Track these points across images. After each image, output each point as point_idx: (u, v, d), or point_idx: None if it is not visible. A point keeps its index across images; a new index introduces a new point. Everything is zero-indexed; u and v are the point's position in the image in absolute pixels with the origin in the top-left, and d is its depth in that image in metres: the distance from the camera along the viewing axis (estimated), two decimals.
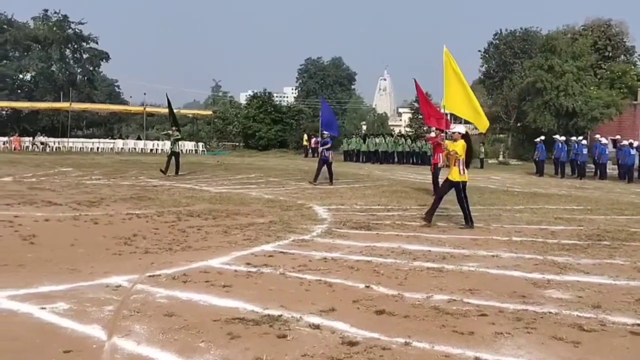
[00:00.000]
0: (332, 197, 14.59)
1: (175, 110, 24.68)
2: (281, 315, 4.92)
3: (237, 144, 52.65)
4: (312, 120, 54.76)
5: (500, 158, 39.16)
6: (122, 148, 44.54)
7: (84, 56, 58.56)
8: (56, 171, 21.34)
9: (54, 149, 42.34)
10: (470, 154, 10.56)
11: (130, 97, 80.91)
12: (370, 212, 11.88)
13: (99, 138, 49.02)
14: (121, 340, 4.26)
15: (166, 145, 46.28)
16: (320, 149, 19.91)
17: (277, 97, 52.67)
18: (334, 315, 5.00)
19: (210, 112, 56.21)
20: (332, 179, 18.97)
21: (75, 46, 57.74)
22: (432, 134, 17.50)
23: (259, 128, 48.06)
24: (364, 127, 75.81)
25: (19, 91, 56.04)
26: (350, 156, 38.80)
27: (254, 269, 6.65)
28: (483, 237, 9.33)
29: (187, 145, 46.80)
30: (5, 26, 56.33)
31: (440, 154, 15.24)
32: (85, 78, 59.19)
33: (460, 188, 10.34)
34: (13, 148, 41.03)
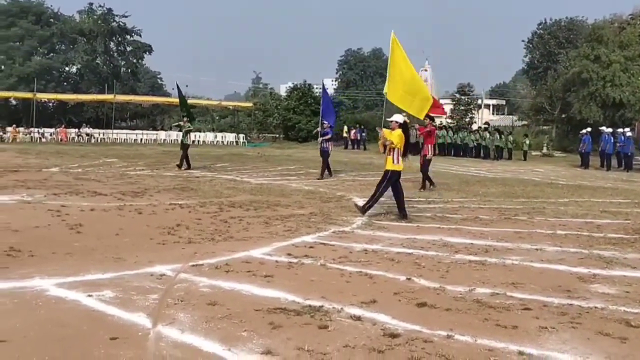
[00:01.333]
0: (372, 189, 14.49)
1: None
2: (322, 306, 4.93)
3: (277, 135, 52.87)
4: (352, 112, 54.67)
5: (544, 150, 38.35)
6: (164, 139, 45.20)
7: (128, 49, 59.52)
8: (101, 162, 21.81)
9: (99, 140, 43.26)
10: (407, 144, 10.27)
11: (173, 89, 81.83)
12: (411, 204, 11.78)
13: (142, 129, 49.86)
14: (166, 328, 4.34)
15: (208, 136, 47.02)
16: (319, 139, 18.59)
17: (317, 88, 52.56)
18: (375, 307, 4.99)
19: (250, 104, 56.54)
20: (324, 171, 17.70)
21: (119, 39, 58.72)
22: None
23: (298, 120, 48.13)
24: (405, 118, 75.22)
25: (65, 83, 57.33)
26: None
27: (294, 260, 6.68)
28: (526, 230, 9.18)
29: (228, 137, 47.31)
30: (51, 20, 57.68)
31: (430, 145, 14.97)
32: (129, 70, 60.19)
33: (388, 177, 10.16)
34: (59, 139, 42.07)
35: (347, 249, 7.38)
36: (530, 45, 54.36)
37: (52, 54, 57.05)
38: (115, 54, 59.35)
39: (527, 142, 34.37)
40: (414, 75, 11.64)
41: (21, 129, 43.79)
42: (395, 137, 10.04)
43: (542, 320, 4.76)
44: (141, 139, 44.74)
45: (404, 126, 10.25)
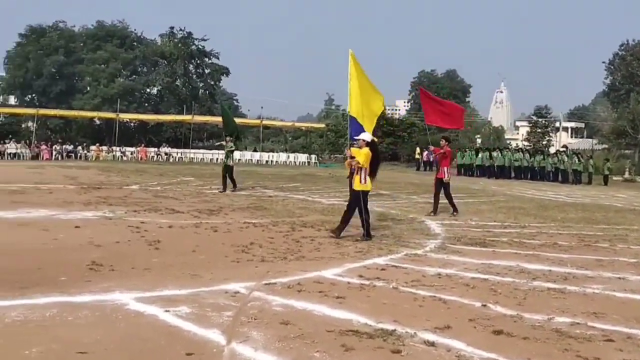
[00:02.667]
0: (445, 212, 14.31)
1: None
2: (395, 330, 4.87)
3: None
4: (424, 134, 54.10)
5: (626, 175, 36.81)
6: (239, 159, 46.10)
7: (206, 71, 61.42)
8: (178, 180, 22.47)
9: (177, 159, 44.66)
10: (375, 163, 9.90)
11: (249, 110, 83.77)
12: (486, 229, 11.54)
13: (218, 149, 51.10)
14: (239, 346, 4.39)
15: (280, 157, 47.70)
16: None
17: (389, 110, 52.65)
18: (449, 333, 4.89)
19: (323, 125, 57.07)
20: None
21: (198, 61, 60.70)
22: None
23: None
24: (479, 141, 73.91)
25: (146, 104, 59.64)
26: (465, 170, 37.92)
27: (366, 282, 6.64)
28: (608, 258, 8.79)
29: (300, 158, 47.83)
30: (135, 43, 60.37)
31: (446, 168, 14.00)
32: (207, 92, 62.02)
33: (361, 197, 9.78)
34: (140, 158, 43.70)
35: (420, 273, 7.28)
36: (612, 67, 52.55)
37: (134, 76, 59.54)
38: (194, 76, 61.35)
39: (608, 166, 33.08)
40: (370, 90, 11.60)
41: (104, 147, 45.80)
42: (361, 155, 9.74)
43: (626, 353, 4.54)
44: (217, 159, 45.80)
45: (372, 144, 9.94)
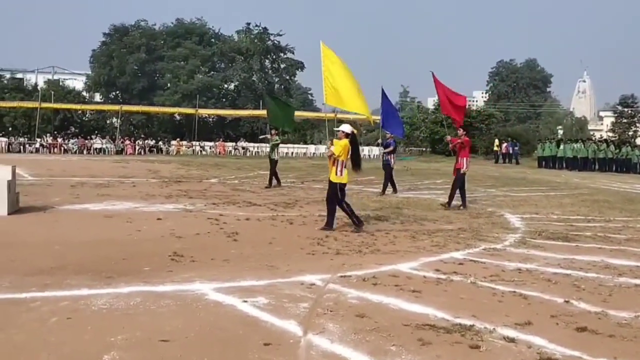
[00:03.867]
0: (526, 206, 13.92)
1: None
2: (473, 325, 4.78)
3: (423, 149, 52.46)
4: (503, 125, 52.92)
5: None
6: (314, 153, 46.50)
7: (281, 66, 62.16)
8: (255, 174, 22.86)
9: (253, 153, 45.47)
10: (355, 155, 9.70)
11: (323, 104, 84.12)
12: (569, 223, 11.13)
13: (293, 143, 51.66)
14: (316, 337, 4.42)
15: (364, 150, 47.67)
16: (382, 152, 16.97)
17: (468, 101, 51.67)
18: (530, 329, 4.75)
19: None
20: (386, 188, 16.17)
21: (274, 57, 61.52)
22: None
23: (446, 133, 47.39)
24: (560, 132, 71.48)
25: (223, 100, 60.99)
26: (546, 162, 36.73)
27: (443, 276, 6.54)
28: None
29: (374, 151, 47.61)
30: (213, 40, 61.80)
31: (465, 158, 13.30)
32: (282, 87, 62.79)
33: (339, 189, 9.53)
34: (218, 152, 44.78)
35: (499, 267, 7.10)
36: None
37: (212, 72, 60.98)
38: (270, 71, 62.21)
39: None
40: (351, 77, 11.47)
41: (184, 142, 47.22)
42: (338, 147, 9.52)
43: None
44: (292, 152, 46.36)
45: (352, 136, 9.70)
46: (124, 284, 5.82)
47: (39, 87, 55.82)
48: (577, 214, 12.64)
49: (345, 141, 9.61)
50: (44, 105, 47.33)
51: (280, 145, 18.18)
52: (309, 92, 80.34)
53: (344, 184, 9.72)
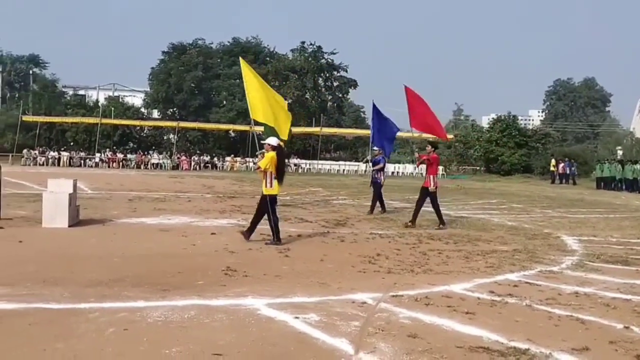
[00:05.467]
0: (583, 227, 13.54)
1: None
2: (528, 349, 4.67)
3: (477, 168, 51.73)
4: (560, 145, 51.80)
5: None
6: (365, 170, 46.38)
7: (335, 84, 62.50)
8: (307, 191, 22.99)
9: (305, 170, 45.74)
10: (280, 167, 9.82)
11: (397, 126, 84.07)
12: (629, 246, 10.76)
13: (345, 161, 51.74)
14: (367, 356, 4.40)
15: (407, 168, 47.38)
16: (371, 169, 16.26)
17: (521, 120, 50.80)
18: (587, 355, 4.61)
19: (451, 136, 56.07)
20: (374, 206, 15.30)
21: (327, 75, 61.92)
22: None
23: (501, 152, 46.70)
24: (620, 152, 69.29)
25: None
26: (605, 184, 35.63)
27: (497, 298, 6.42)
28: None
29: (408, 168, 47.29)
30: (267, 58, 62.71)
31: (432, 176, 12.65)
32: (335, 104, 63.08)
33: (269, 202, 9.71)
34: None
35: (556, 290, 6.92)
36: None
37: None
38: (323, 89, 62.61)
39: None
40: (271, 95, 12.06)
41: (238, 158, 47.88)
42: (265, 160, 9.75)
43: None
44: (343, 170, 46.47)
45: (278, 149, 9.89)
46: (179, 297, 5.93)
47: (99, 104, 57.71)
48: (638, 237, 12.22)
49: (272, 154, 9.81)
50: (105, 121, 48.92)
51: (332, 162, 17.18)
52: (362, 109, 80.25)
53: (274, 196, 9.91)
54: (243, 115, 54.77)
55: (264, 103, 12.12)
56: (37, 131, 48.32)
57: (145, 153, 47.58)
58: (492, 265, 8.41)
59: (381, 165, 15.47)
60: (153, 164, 43.97)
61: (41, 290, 6.09)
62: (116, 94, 64.00)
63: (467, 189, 28.81)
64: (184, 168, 43.17)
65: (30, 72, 68.47)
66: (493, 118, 54.16)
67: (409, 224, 12.56)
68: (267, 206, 9.77)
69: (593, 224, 14.56)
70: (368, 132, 58.03)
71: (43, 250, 8.43)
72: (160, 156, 46.11)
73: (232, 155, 48.95)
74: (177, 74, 59.10)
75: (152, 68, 62.92)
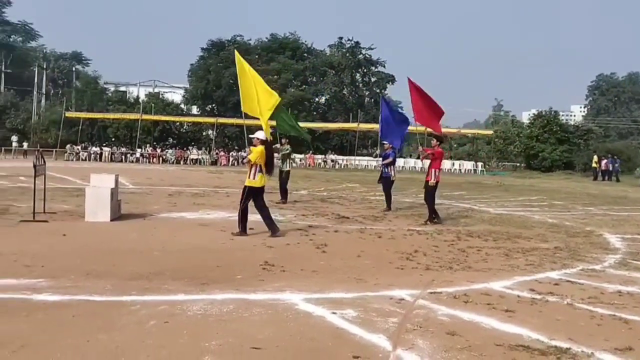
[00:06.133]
0: (627, 225, 13.23)
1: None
2: (569, 349, 4.59)
3: (517, 164, 50.97)
4: (602, 141, 50.68)
5: None
6: (402, 166, 46.14)
7: (372, 79, 62.26)
8: (344, 187, 22.97)
9: (342, 166, 45.69)
10: (268, 161, 10.09)
11: (412, 117, 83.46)
12: None
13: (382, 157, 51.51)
14: (405, 353, 4.39)
15: (445, 164, 46.93)
16: (380, 164, 15.87)
17: (563, 115, 49.87)
18: (630, 355, 4.52)
19: (490, 132, 55.41)
20: (389, 201, 14.96)
21: (365, 70, 61.73)
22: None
23: (542, 148, 45.87)
24: None
25: (314, 113, 61.68)
26: None
27: (538, 296, 6.33)
28: None
29: (466, 165, 46.79)
30: (305, 54, 62.78)
31: (435, 169, 12.58)
32: (372, 100, 62.81)
33: (245, 192, 9.95)
34: (308, 164, 45.33)
35: (598, 289, 6.79)
36: None
37: (304, 86, 61.86)
38: (361, 84, 62.43)
39: None
40: (264, 87, 12.24)
41: (275, 154, 48.11)
42: (255, 153, 10.01)
43: None
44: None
45: (266, 142, 10.24)
46: (218, 291, 6.00)
47: (140, 100, 58.60)
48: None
49: (261, 147, 10.09)
50: (145, 117, 49.64)
51: (285, 154, 16.61)
52: (399, 105, 79.57)
53: (256, 188, 10.06)
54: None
55: (252, 96, 12.32)
56: (80, 127, 49.31)
57: (185, 149, 48.15)
58: (533, 263, 8.29)
59: (390, 159, 15.22)
60: (192, 159, 44.47)
61: (84, 282, 6.24)
62: (156, 90, 64.66)
63: (507, 185, 28.41)
64: (222, 163, 43.56)
65: (73, 69, 69.84)
66: (534, 113, 53.25)
67: (427, 222, 12.38)
68: (247, 197, 9.99)
69: (637, 221, 14.21)
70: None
71: (86, 244, 8.62)
72: (199, 152, 46.60)
73: None
74: (215, 70, 59.54)
75: (192, 65, 63.55)
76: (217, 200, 15.60)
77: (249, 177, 10.06)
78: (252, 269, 7.20)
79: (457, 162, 48.48)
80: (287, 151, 16.52)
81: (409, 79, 14.15)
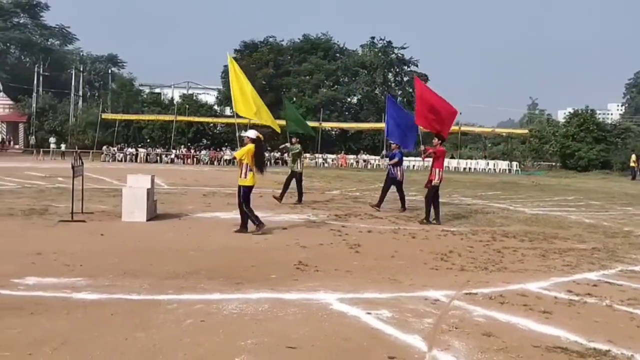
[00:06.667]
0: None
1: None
2: (609, 351, 4.52)
3: (553, 164, 50.15)
4: None
5: None
6: (407, 166, 45.87)
7: (405, 79, 61.95)
8: (376, 187, 22.85)
9: (374, 166, 45.57)
10: (258, 159, 10.28)
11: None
12: None
13: (415, 157, 51.19)
14: (441, 354, 4.37)
15: (479, 164, 46.47)
16: (387, 164, 15.45)
17: (600, 114, 48.89)
18: None
19: (525, 131, 54.63)
20: (404, 203, 14.66)
21: (397, 70, 61.45)
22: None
23: (578, 147, 45.04)
24: None
25: (346, 113, 61.64)
26: None
27: (576, 298, 6.23)
28: None
29: (501, 165, 46.22)
30: (337, 54, 62.78)
31: (438, 169, 12.32)
32: (405, 100, 62.47)
33: (242, 192, 10.19)
34: (340, 165, 45.34)
35: (638, 291, 6.65)
36: None
37: (336, 86, 61.86)
38: (393, 84, 62.15)
39: None
40: (252, 89, 12.39)
41: (307, 154, 48.17)
42: (241, 151, 10.25)
43: None
44: (413, 166, 45.98)
45: (256, 141, 10.28)
46: (253, 290, 6.05)
47: (174, 101, 59.26)
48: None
49: (250, 146, 10.21)
50: (179, 118, 50.21)
51: (295, 154, 15.91)
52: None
53: (248, 187, 10.24)
54: (312, 111, 55.14)
55: (247, 98, 12.43)
56: (116, 128, 50.08)
57: (218, 149, 48.58)
58: (570, 264, 8.16)
59: (396, 159, 14.81)
60: (225, 160, 44.83)
61: (122, 281, 6.35)
62: (190, 92, 65.38)
63: (543, 185, 27.99)
64: None
65: (109, 71, 71.09)
66: (570, 112, 52.36)
67: (433, 221, 12.21)
68: (239, 195, 10.25)
69: None
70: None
71: (123, 243, 8.77)
72: (233, 152, 46.98)
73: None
74: (248, 71, 59.57)
75: (225, 66, 63.97)
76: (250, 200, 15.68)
77: (240, 176, 10.28)
78: (286, 269, 7.24)
79: (491, 162, 47.92)
80: (297, 150, 15.93)
81: (416, 80, 14.03)
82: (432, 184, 12.40)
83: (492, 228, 11.64)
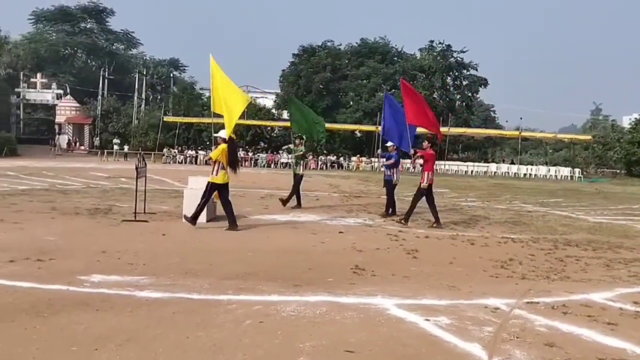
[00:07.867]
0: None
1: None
2: None
3: (617, 171, 48.53)
4: None
5: None
6: (495, 172, 45.05)
7: (464, 83, 61.10)
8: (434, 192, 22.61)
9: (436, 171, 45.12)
10: (231, 159, 10.70)
11: (506, 121, 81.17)
12: None
13: (473, 161, 50.46)
14: None
15: (540, 170, 45.38)
16: (381, 164, 14.68)
17: None
18: None
19: (589, 137, 53.05)
20: (394, 207, 14.06)
21: (456, 74, 60.65)
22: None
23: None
24: None
25: None
26: None
27: None
28: None
29: (562, 171, 45.01)
30: (395, 58, 62.53)
31: (428, 172, 12.30)
32: (464, 104, 61.62)
33: (208, 188, 10.61)
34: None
35: None
36: None
37: (394, 90, 61.56)
38: (452, 88, 61.38)
39: None
40: (233, 90, 12.25)
41: (364, 158, 48.15)
42: (216, 151, 10.64)
43: None
44: (471, 171, 45.33)
45: (229, 141, 10.73)
46: (311, 293, 6.09)
47: None
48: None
49: (223, 146, 10.64)
50: (238, 121, 50.98)
51: (298, 156, 15.33)
52: (492, 109, 77.94)
53: (218, 184, 10.62)
54: (369, 115, 55.06)
55: (221, 98, 12.29)
56: (177, 131, 51.19)
57: (275, 152, 49.08)
58: (636, 275, 7.88)
59: (392, 161, 14.14)
60: (282, 163, 45.27)
61: (184, 280, 6.49)
62: (249, 95, 66.47)
63: (607, 193, 27.10)
64: (311, 167, 44.05)
65: (171, 75, 72.88)
66: (635, 118, 50.52)
67: (434, 225, 12.08)
68: (205, 191, 10.67)
69: None
70: (498, 132, 56.41)
71: (184, 243, 8.97)
72: (290, 156, 47.38)
73: (358, 155, 49.28)
74: (306, 75, 60.32)
75: (283, 70, 64.70)
76: (307, 203, 15.77)
77: (212, 174, 10.69)
78: (343, 273, 7.25)
79: (552, 168, 46.70)
80: (301, 152, 15.35)
81: (402, 81, 13.89)
82: (420, 186, 12.49)
83: (554, 236, 11.35)
